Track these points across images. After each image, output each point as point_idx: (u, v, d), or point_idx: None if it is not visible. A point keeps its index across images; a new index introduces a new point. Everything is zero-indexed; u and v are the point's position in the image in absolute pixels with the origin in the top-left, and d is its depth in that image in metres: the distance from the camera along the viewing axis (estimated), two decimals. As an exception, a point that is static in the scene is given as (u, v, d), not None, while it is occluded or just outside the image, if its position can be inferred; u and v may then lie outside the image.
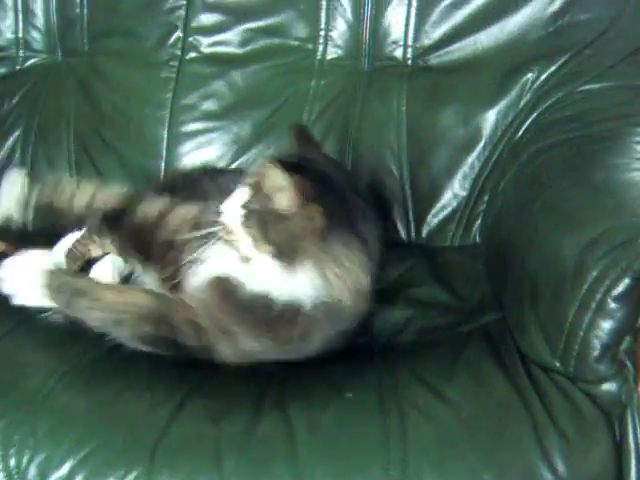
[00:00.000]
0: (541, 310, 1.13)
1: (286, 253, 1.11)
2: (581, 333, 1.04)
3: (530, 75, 1.58)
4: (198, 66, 1.80)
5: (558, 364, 1.08)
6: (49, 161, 1.88)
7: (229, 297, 1.17)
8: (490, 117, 1.59)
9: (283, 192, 1.09)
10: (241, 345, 1.15)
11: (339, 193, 1.15)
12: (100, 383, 1.14)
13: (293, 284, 1.12)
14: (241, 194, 1.17)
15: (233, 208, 1.17)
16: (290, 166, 1.09)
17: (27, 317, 1.27)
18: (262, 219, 1.12)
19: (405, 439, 1.00)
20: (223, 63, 1.78)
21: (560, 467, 1.00)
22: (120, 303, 1.19)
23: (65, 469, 1.05)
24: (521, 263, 1.23)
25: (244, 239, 1.15)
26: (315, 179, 1.12)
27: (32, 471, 1.06)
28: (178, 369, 1.15)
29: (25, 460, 1.07)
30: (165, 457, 1.02)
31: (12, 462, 1.07)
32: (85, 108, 1.86)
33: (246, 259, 1.16)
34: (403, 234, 1.64)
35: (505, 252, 1.34)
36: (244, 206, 1.15)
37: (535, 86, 1.57)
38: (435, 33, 1.66)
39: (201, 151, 1.76)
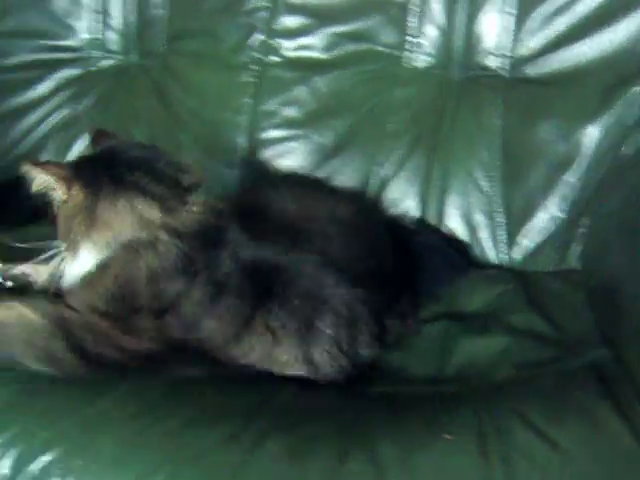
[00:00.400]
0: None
1: (70, 240, 1.19)
2: None
3: (638, 89, 1.50)
4: (280, 70, 1.76)
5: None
6: None
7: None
8: (592, 133, 1.51)
9: (51, 185, 1.19)
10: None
11: (116, 163, 1.21)
12: (168, 412, 1.07)
13: (85, 256, 1.19)
14: None
15: None
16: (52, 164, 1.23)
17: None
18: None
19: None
20: (306, 68, 1.74)
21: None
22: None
23: (126, 501, 1.00)
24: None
25: None
26: (85, 162, 1.24)
27: (92, 501, 1.01)
28: (252, 400, 1.08)
29: (84, 488, 1.02)
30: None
31: (71, 490, 1.02)
32: (159, 111, 1.85)
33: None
34: (492, 256, 1.58)
35: (615, 282, 1.24)
36: None
37: (644, 100, 1.50)
38: (533, 42, 1.59)
39: (281, 160, 1.72)
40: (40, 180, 1.19)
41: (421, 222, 1.60)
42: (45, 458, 1.02)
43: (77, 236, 1.18)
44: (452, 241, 1.58)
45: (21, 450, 1.03)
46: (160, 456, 1.00)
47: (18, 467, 1.03)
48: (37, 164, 1.20)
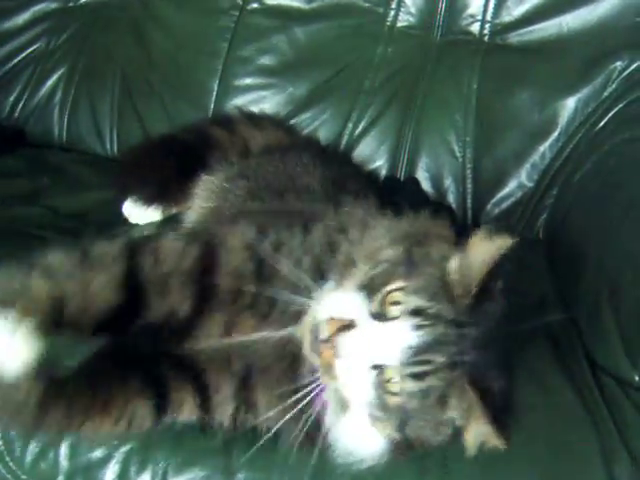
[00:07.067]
0: (623, 317, 1.06)
1: (410, 447, 0.89)
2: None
3: (619, 63, 1.51)
4: (259, 17, 1.76)
5: (638, 378, 1.01)
6: (91, 104, 1.88)
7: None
8: (569, 105, 1.54)
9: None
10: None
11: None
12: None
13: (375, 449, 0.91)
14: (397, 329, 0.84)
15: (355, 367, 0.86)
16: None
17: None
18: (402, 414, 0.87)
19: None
20: (286, 17, 1.75)
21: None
22: None
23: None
24: (598, 264, 1.17)
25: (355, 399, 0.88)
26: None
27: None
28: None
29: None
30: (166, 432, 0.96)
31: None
32: (135, 51, 1.85)
33: (342, 407, 0.90)
34: (458, 221, 1.55)
35: (577, 250, 1.28)
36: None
37: (623, 75, 1.51)
38: (517, 10, 1.62)
39: (252, 108, 1.71)
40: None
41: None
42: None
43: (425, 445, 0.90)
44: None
45: None
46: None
47: None
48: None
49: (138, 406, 0.90)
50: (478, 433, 0.84)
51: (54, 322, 0.83)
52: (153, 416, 0.91)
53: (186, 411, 0.93)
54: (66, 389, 0.86)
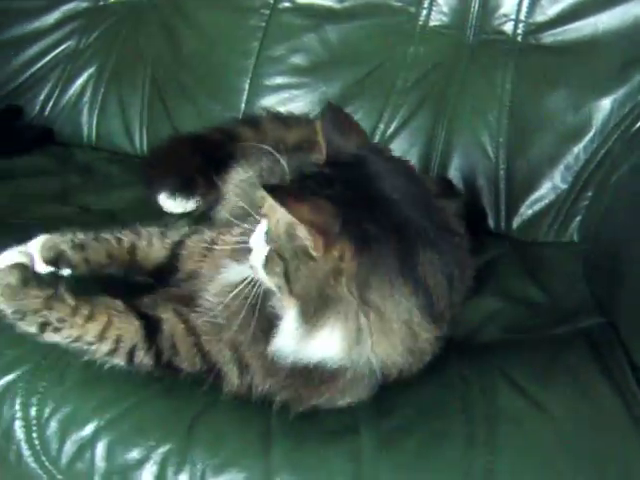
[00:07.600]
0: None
1: (311, 309, 0.90)
2: None
3: None
4: (290, 17, 1.74)
5: (688, 385, 0.96)
6: (120, 103, 1.88)
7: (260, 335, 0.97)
8: (604, 106, 1.48)
9: (297, 226, 0.87)
10: (255, 382, 0.99)
11: (385, 213, 0.89)
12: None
13: (319, 347, 0.91)
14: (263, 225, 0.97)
15: (258, 245, 0.97)
16: (303, 185, 0.90)
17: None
18: (283, 262, 0.91)
19: (493, 451, 0.91)
20: (317, 16, 1.73)
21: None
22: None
23: (89, 430, 1.00)
24: (640, 267, 1.12)
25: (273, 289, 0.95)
26: (347, 199, 0.88)
27: (52, 426, 1.02)
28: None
29: (47, 412, 1.02)
30: (205, 432, 0.97)
31: (32, 412, 1.03)
32: (165, 50, 1.85)
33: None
34: (491, 222, 1.54)
35: (616, 253, 1.22)
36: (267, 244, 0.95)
37: (660, 77, 1.47)
38: (551, 9, 1.56)
39: (283, 107, 1.70)
40: (280, 213, 0.89)
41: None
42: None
43: (330, 312, 0.89)
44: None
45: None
46: (127, 382, 1.01)
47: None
48: (288, 193, 0.86)
49: (123, 326, 0.99)
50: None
51: None
52: (144, 341, 0.99)
53: (183, 350, 1.00)
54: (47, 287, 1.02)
